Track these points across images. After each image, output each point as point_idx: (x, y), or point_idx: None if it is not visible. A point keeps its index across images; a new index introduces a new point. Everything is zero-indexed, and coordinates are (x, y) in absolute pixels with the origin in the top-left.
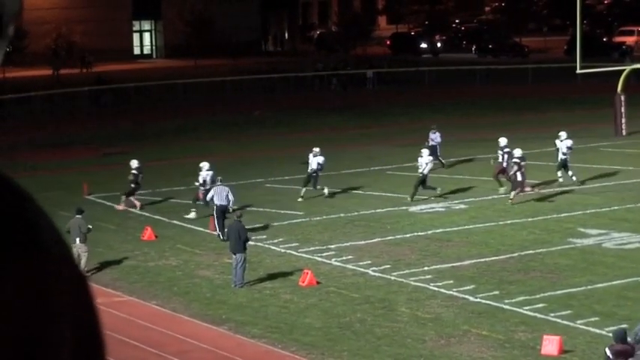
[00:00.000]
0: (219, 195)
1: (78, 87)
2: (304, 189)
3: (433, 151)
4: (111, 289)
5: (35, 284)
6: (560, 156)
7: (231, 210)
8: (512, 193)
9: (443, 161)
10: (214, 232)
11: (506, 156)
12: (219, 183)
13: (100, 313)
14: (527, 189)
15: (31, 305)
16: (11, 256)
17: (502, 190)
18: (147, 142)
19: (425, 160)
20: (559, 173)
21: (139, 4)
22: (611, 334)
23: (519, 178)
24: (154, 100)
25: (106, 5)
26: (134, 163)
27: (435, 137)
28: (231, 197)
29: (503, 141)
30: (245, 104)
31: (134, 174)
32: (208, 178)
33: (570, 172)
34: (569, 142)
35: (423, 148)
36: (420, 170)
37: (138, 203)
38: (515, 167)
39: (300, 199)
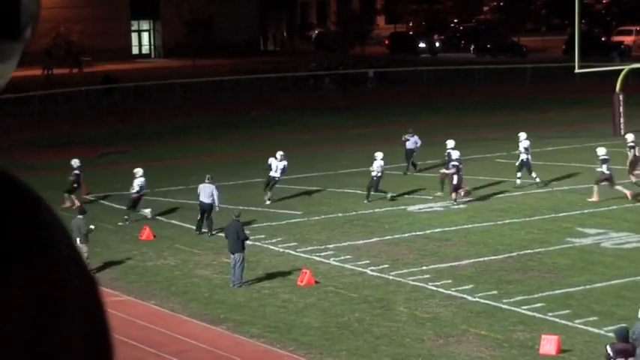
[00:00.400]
0: (205, 192)
1: (75, 87)
2: (269, 193)
3: (408, 154)
4: (109, 288)
5: (47, 287)
6: (521, 157)
7: (216, 209)
8: (453, 194)
9: (416, 165)
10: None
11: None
12: (207, 180)
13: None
14: (461, 191)
15: (43, 308)
16: (23, 259)
17: (439, 193)
18: (145, 142)
19: (379, 163)
20: (518, 174)
21: (137, 4)
22: (610, 334)
23: (455, 181)
24: (153, 100)
25: (105, 5)
26: (75, 163)
27: (411, 140)
28: (215, 196)
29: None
30: (243, 104)
31: (76, 174)
32: (143, 184)
33: (534, 174)
34: (527, 143)
35: (377, 152)
36: (374, 173)
37: (77, 202)
38: (453, 169)
39: (267, 202)
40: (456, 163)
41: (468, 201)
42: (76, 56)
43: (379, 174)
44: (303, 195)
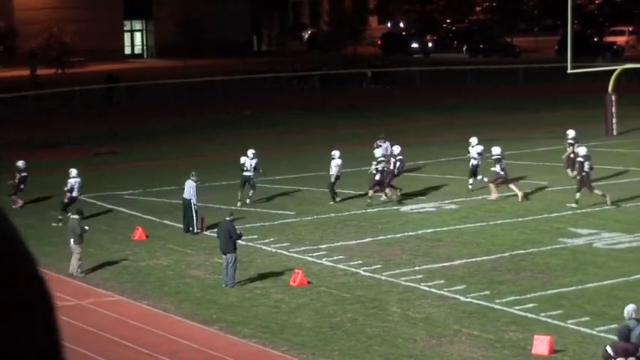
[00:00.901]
0: (187, 189)
1: (68, 87)
2: (251, 192)
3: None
4: (102, 289)
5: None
6: (472, 162)
7: (194, 207)
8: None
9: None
10: (204, 232)
11: (398, 163)
12: (191, 177)
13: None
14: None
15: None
16: None
17: (384, 197)
18: (138, 142)
19: (336, 163)
20: (470, 180)
21: (130, 4)
22: (602, 334)
23: (377, 177)
24: (145, 100)
25: (98, 5)
26: (20, 164)
27: (382, 147)
28: (193, 193)
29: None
30: (236, 104)
31: (23, 176)
32: (76, 185)
33: (484, 178)
34: (480, 149)
35: (333, 150)
36: (331, 173)
37: (20, 202)
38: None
39: (239, 204)
40: (381, 163)
41: (462, 201)
42: (60, 57)
43: (338, 173)
44: (295, 195)
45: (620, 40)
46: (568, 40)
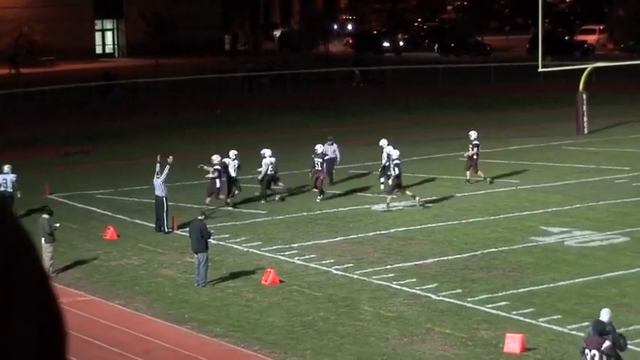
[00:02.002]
0: (156, 186)
1: (39, 86)
2: (236, 191)
3: (330, 163)
4: (73, 288)
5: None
6: (383, 163)
7: (166, 206)
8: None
9: (333, 178)
10: (176, 231)
11: (319, 161)
12: (157, 175)
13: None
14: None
15: None
16: None
17: (319, 198)
18: (108, 141)
19: (267, 162)
20: (381, 180)
21: (100, 3)
22: (573, 332)
23: (217, 184)
24: (117, 99)
25: (68, 4)
26: None
27: (330, 149)
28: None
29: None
30: (207, 103)
31: None
32: (9, 182)
33: (383, 180)
34: (391, 150)
35: (264, 149)
36: (260, 169)
37: None
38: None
39: (230, 207)
40: (218, 168)
41: (433, 200)
42: (11, 58)
43: (270, 172)
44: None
45: (591, 38)
46: (539, 38)
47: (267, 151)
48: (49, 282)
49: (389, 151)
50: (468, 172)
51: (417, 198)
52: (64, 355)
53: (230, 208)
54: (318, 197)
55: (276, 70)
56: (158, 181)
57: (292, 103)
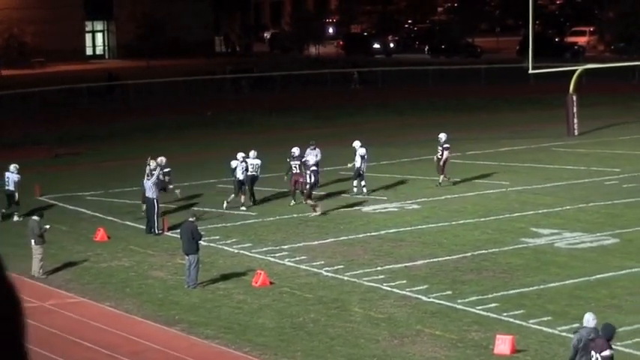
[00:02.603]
0: (147, 188)
1: (29, 87)
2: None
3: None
4: (63, 290)
5: None
6: (356, 165)
7: (156, 207)
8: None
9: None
10: (166, 233)
11: (297, 164)
12: (147, 177)
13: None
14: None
15: None
16: None
17: (292, 203)
18: (99, 143)
19: (254, 162)
20: (354, 183)
21: (91, 5)
22: (564, 334)
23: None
24: (107, 101)
25: (58, 6)
26: None
27: (312, 154)
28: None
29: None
30: (198, 105)
31: None
32: (11, 181)
33: (363, 182)
34: (363, 151)
35: (239, 153)
36: (236, 173)
37: None
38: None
39: (242, 208)
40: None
41: (424, 201)
42: None
43: (255, 173)
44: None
45: (581, 40)
46: (529, 40)
47: (240, 155)
48: (4, 269)
49: (362, 152)
50: (441, 176)
51: (318, 211)
52: (23, 341)
53: (243, 208)
54: (292, 200)
55: (257, 72)
56: (148, 183)
57: (284, 105)
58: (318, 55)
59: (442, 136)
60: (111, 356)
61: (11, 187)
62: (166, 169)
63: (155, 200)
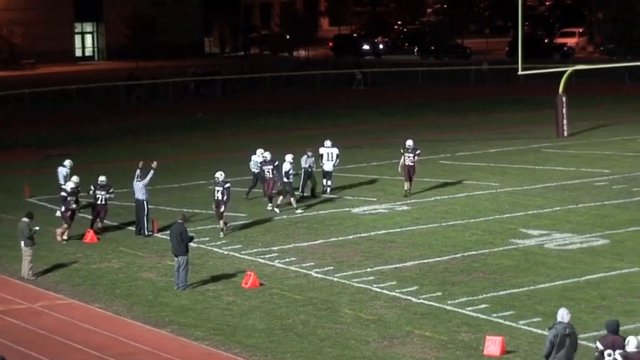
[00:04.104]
0: (136, 190)
1: (19, 89)
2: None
3: (308, 175)
4: (53, 291)
5: None
6: (324, 166)
7: (146, 209)
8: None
9: (304, 190)
10: (157, 234)
11: (269, 168)
12: (137, 179)
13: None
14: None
15: None
16: None
17: (269, 206)
18: (89, 144)
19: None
20: (327, 182)
21: (80, 6)
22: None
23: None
24: (97, 102)
25: (48, 7)
26: None
27: (308, 162)
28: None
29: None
30: (188, 106)
31: None
32: (61, 175)
33: (329, 182)
34: (336, 151)
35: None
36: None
37: None
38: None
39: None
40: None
41: (413, 203)
42: None
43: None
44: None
45: (571, 41)
46: (519, 41)
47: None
48: None
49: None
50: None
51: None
52: None
53: (277, 211)
54: (269, 205)
55: (224, 74)
56: (139, 185)
57: (273, 106)
58: (308, 57)
59: (411, 142)
60: (100, 358)
61: (61, 181)
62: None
63: (145, 202)
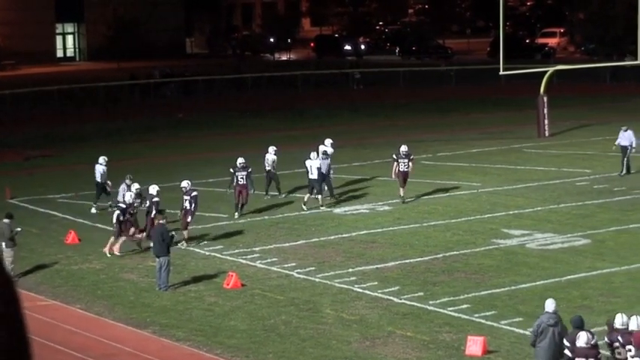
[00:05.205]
0: (120, 192)
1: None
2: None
3: (322, 177)
4: (34, 293)
5: None
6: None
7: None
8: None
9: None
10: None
11: (244, 175)
12: (127, 181)
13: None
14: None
15: None
16: None
17: (236, 214)
18: (69, 146)
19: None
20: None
21: (61, 7)
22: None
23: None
24: (78, 103)
25: (29, 8)
26: None
27: (323, 164)
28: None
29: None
30: (169, 106)
31: None
32: (98, 173)
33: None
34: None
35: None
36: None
37: None
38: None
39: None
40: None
41: (395, 203)
42: None
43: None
44: (228, 197)
45: (552, 41)
46: (500, 41)
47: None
48: (13, 284)
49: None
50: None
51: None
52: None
53: (323, 208)
54: (236, 213)
55: (187, 76)
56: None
57: (253, 106)
58: (289, 58)
59: (405, 148)
60: (82, 359)
61: (98, 179)
62: (155, 199)
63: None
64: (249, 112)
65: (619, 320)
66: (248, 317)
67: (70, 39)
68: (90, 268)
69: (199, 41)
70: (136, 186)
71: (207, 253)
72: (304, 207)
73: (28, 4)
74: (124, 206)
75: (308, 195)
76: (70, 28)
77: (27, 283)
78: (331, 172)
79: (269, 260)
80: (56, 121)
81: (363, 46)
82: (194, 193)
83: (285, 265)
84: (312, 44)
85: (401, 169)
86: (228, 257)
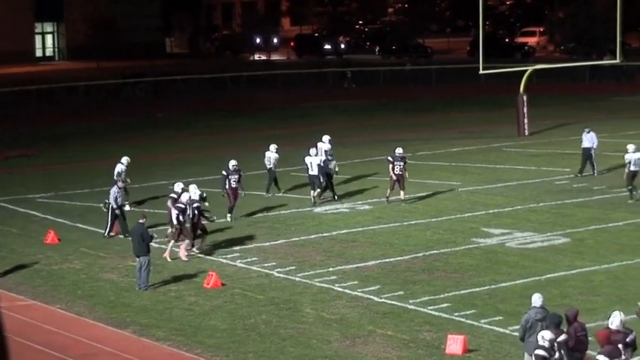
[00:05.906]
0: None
1: None
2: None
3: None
4: (14, 292)
5: None
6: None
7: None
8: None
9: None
10: (119, 235)
11: (236, 178)
12: (120, 184)
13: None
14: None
15: None
16: None
17: (229, 217)
18: (48, 145)
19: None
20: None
21: (40, 6)
22: (515, 333)
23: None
24: (56, 103)
25: (8, 7)
26: None
27: (331, 164)
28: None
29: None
30: (148, 106)
31: None
32: (116, 172)
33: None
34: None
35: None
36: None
37: None
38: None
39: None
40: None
41: (375, 202)
42: None
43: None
44: (209, 197)
45: (532, 41)
46: (480, 41)
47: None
48: None
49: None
50: (402, 192)
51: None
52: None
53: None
54: (229, 215)
55: (155, 76)
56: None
57: (234, 106)
58: (269, 58)
59: (401, 150)
60: (62, 359)
61: (115, 177)
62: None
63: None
64: (226, 111)
65: (547, 337)
66: (228, 317)
67: (49, 38)
68: (70, 268)
69: (179, 41)
70: (193, 188)
71: (187, 253)
72: (314, 202)
73: (7, 3)
74: (182, 206)
75: (312, 192)
76: (49, 27)
77: (7, 283)
78: (336, 169)
79: (249, 259)
80: (35, 121)
81: (343, 46)
82: (196, 204)
83: (265, 265)
84: (292, 43)
85: (396, 172)
86: (208, 257)
